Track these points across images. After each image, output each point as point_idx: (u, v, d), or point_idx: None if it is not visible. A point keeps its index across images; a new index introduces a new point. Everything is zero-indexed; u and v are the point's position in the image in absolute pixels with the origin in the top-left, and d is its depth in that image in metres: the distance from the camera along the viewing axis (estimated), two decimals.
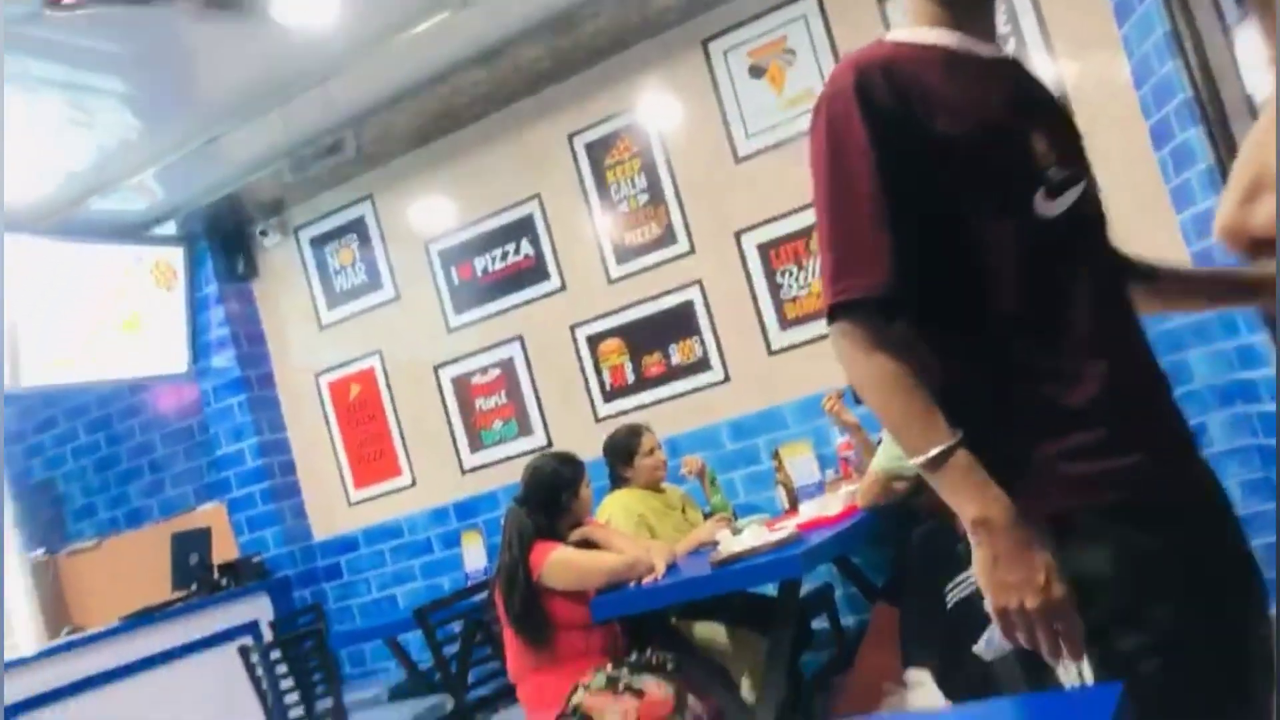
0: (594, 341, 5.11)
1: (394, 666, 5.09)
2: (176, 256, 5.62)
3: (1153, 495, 1.33)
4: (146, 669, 4.67)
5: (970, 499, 1.30)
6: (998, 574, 1.28)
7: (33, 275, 4.97)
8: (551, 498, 3.48)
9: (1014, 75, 1.51)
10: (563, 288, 5.16)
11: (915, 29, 1.47)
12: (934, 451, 1.30)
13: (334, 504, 5.69)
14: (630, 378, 5.05)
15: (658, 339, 4.99)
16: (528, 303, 5.24)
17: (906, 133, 1.35)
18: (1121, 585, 1.29)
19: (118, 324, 5.35)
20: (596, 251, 5.08)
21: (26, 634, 6.16)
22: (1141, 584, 1.29)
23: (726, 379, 4.86)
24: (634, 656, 3.35)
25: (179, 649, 4.78)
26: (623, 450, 4.11)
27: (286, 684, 4.06)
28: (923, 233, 1.35)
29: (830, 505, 3.59)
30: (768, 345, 4.76)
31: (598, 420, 5.01)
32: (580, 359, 5.13)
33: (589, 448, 4.11)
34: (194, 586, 5.23)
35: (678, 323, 4.94)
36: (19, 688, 4.32)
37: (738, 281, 4.81)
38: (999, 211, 1.36)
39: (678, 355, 4.96)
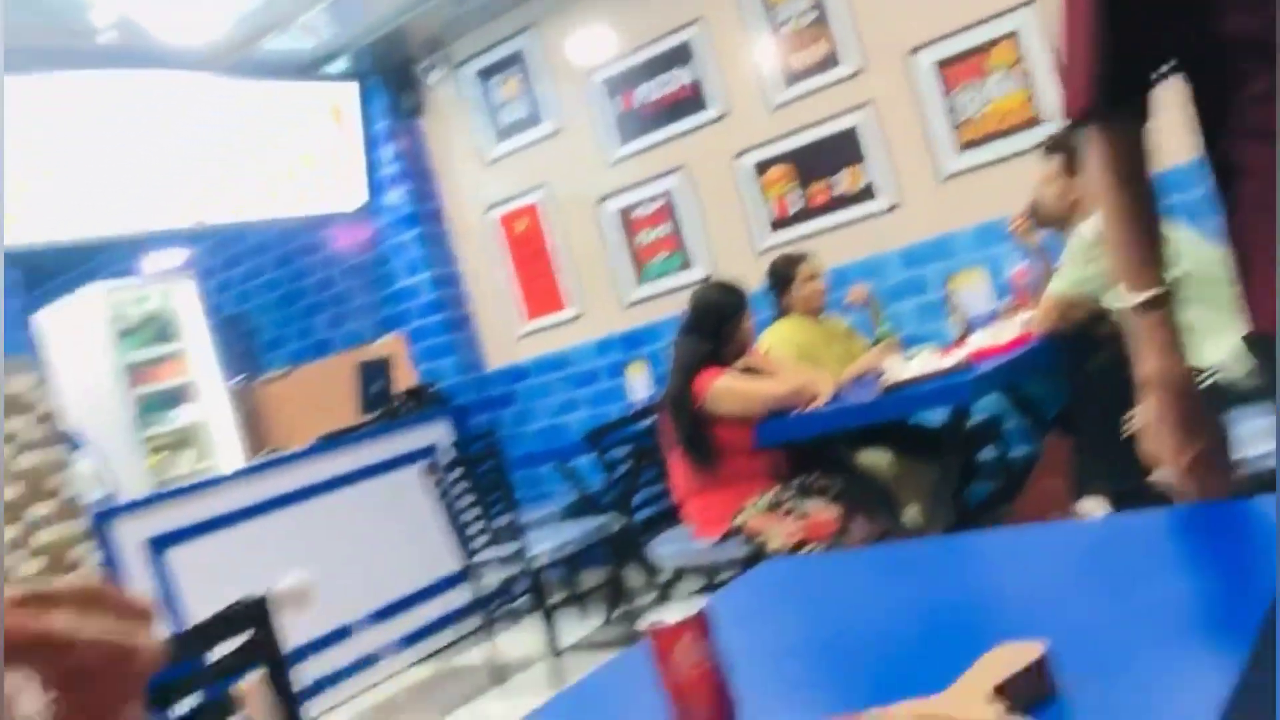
0: (758, 170, 5.01)
1: (565, 489, 5.30)
2: (348, 94, 5.73)
3: None
4: (337, 487, 4.99)
5: (1151, 354, 1.29)
6: (1156, 434, 1.30)
7: (213, 114, 5.16)
8: (716, 325, 3.49)
9: None
10: (725, 115, 5.05)
11: None
12: (1140, 298, 1.28)
13: (505, 335, 5.87)
14: (795, 207, 4.95)
15: (824, 166, 4.85)
16: (690, 132, 5.15)
17: None
18: None
19: (294, 162, 5.53)
20: (760, 76, 4.93)
21: (231, 454, 6.66)
22: None
23: (897, 206, 4.71)
24: (799, 481, 3.39)
25: (366, 469, 5.08)
26: (781, 277, 4.06)
27: (466, 502, 4.29)
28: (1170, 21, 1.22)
29: (1003, 333, 3.48)
30: (941, 170, 4.57)
31: (761, 252, 4.95)
32: (743, 189, 5.05)
33: (752, 280, 4.07)
34: (378, 412, 5.52)
35: (845, 148, 4.78)
36: (225, 502, 4.69)
37: (910, 103, 4.60)
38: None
39: (845, 182, 4.82)
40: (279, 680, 1.79)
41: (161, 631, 0.68)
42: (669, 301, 5.20)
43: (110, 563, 4.34)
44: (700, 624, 0.94)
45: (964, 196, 4.50)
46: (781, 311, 4.08)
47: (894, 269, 4.72)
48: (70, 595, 0.64)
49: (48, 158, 4.63)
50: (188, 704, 1.74)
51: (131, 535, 4.42)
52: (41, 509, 4.20)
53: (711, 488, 3.42)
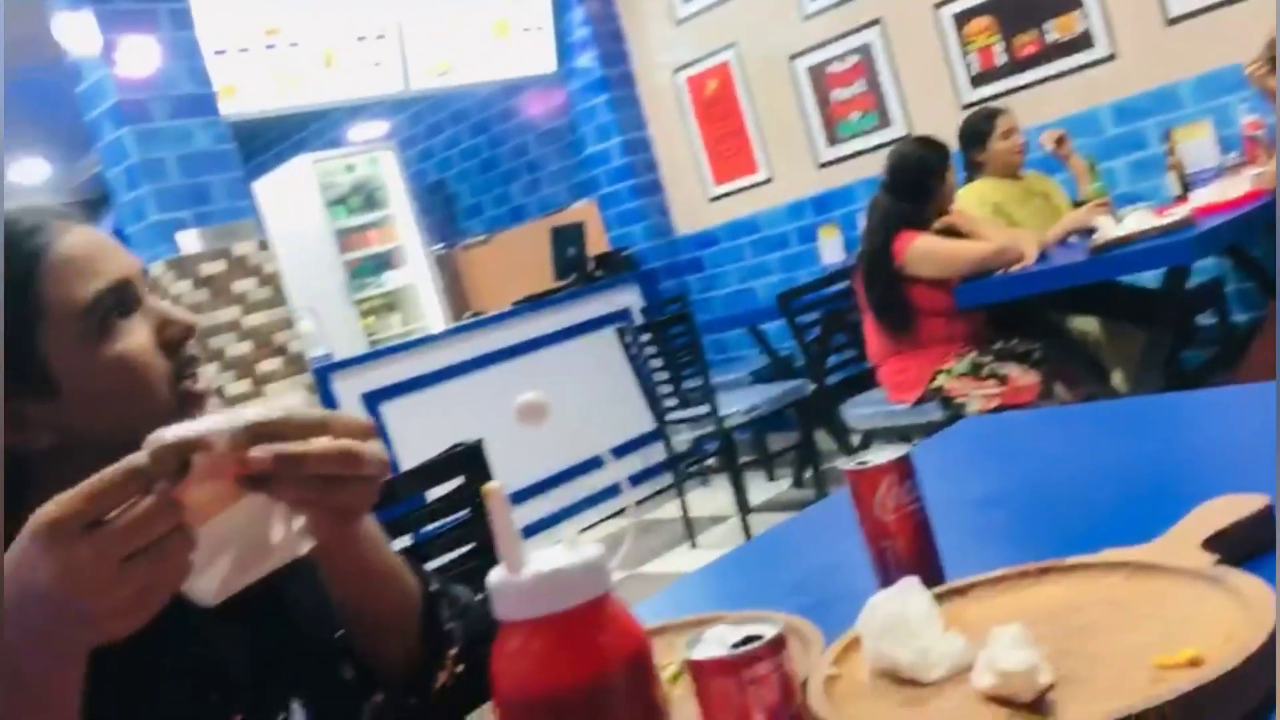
0: (960, 21, 4.74)
1: (754, 354, 5.33)
2: None
3: None
4: (535, 349, 5.17)
5: None
6: None
7: None
8: (916, 183, 3.38)
9: None
10: None
11: None
12: None
13: (695, 200, 5.86)
14: (1000, 59, 4.68)
15: (1033, 14, 4.55)
16: None
17: None
18: None
19: (489, 27, 5.58)
20: None
21: (434, 316, 6.98)
22: None
23: (1112, 56, 4.39)
24: (999, 345, 3.30)
25: (561, 332, 5.24)
26: (976, 133, 3.86)
27: (657, 364, 4.38)
28: None
29: (1230, 189, 3.24)
30: (1166, 13, 4.21)
31: (963, 108, 4.73)
32: (945, 41, 4.80)
33: (954, 139, 3.90)
34: (572, 277, 5.65)
35: None
36: (430, 361, 4.94)
37: None
38: None
39: (1055, 31, 4.51)
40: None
41: (380, 448, 0.74)
42: (863, 162, 5.05)
43: None
44: (904, 467, 0.95)
45: (1190, 41, 4.15)
46: (975, 170, 3.90)
47: (1107, 124, 4.43)
48: (294, 422, 0.70)
49: (258, 32, 4.84)
50: (401, 543, 1.89)
51: (349, 390, 4.74)
52: (269, 365, 4.54)
53: (907, 351, 3.37)
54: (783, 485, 4.95)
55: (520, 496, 4.78)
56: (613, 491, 5.15)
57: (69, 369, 0.84)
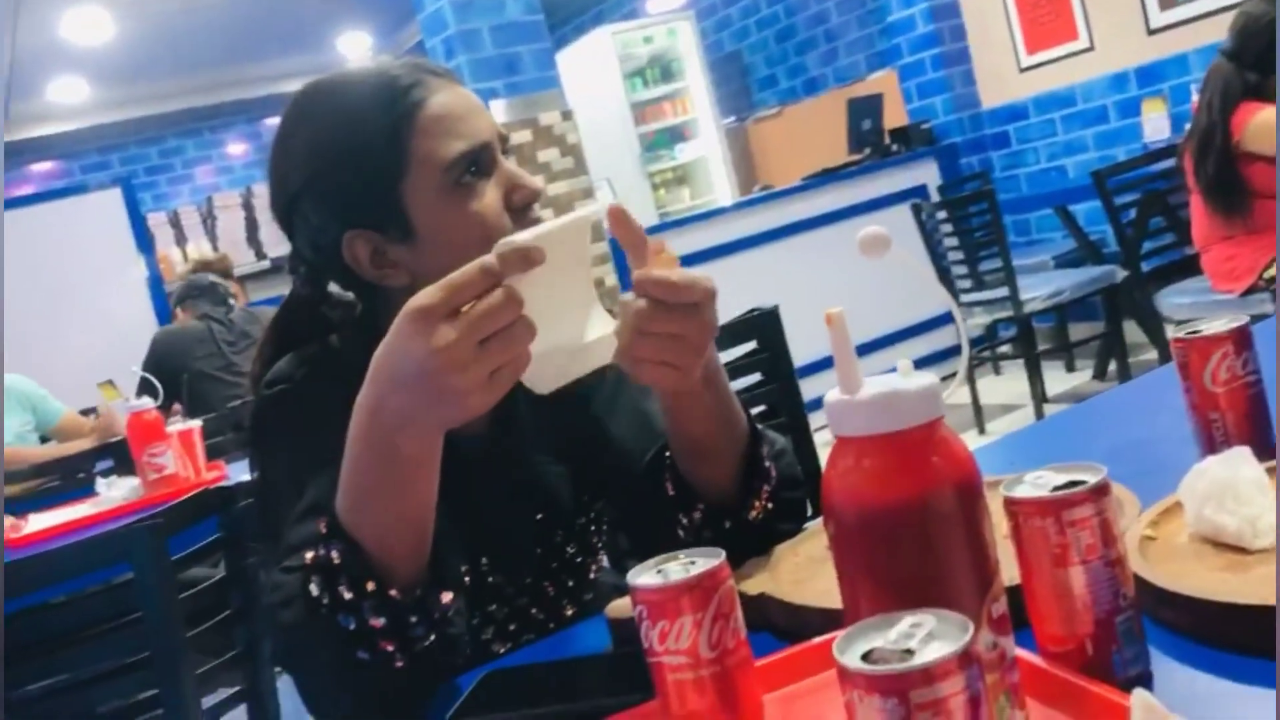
0: None
1: (1060, 236, 5.04)
2: None
3: None
4: (823, 224, 5.11)
5: None
6: None
7: None
8: (1264, 51, 3.03)
9: None
10: None
11: None
12: None
13: (1003, 70, 5.52)
14: None
15: None
16: None
17: None
18: None
19: None
20: None
21: (723, 190, 7.02)
22: None
23: None
24: None
25: (853, 207, 5.14)
26: (1263, 43, 3.38)
27: (952, 244, 4.23)
28: None
29: None
30: None
31: (1150, 32, 4.15)
32: None
33: (1140, 59, 3.44)
34: (867, 150, 5.50)
35: None
36: (719, 234, 4.99)
37: None
38: None
39: None
40: (786, 391, 1.93)
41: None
42: (1201, 28, 4.57)
43: (627, 283, 4.84)
44: (1241, 337, 0.89)
45: None
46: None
47: None
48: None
49: None
50: None
51: None
52: None
53: (1239, 236, 3.09)
54: (1083, 377, 4.71)
55: (806, 371, 4.79)
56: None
57: (426, 218, 0.93)
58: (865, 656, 0.46)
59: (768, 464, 0.96)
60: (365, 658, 0.79)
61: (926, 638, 0.46)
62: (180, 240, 8.33)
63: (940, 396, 0.53)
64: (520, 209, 0.95)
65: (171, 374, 3.41)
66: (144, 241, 5.38)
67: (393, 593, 0.79)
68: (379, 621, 0.79)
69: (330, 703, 0.86)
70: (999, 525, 0.60)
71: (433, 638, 0.81)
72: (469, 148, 0.93)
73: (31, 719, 1.44)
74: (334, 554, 0.79)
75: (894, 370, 0.56)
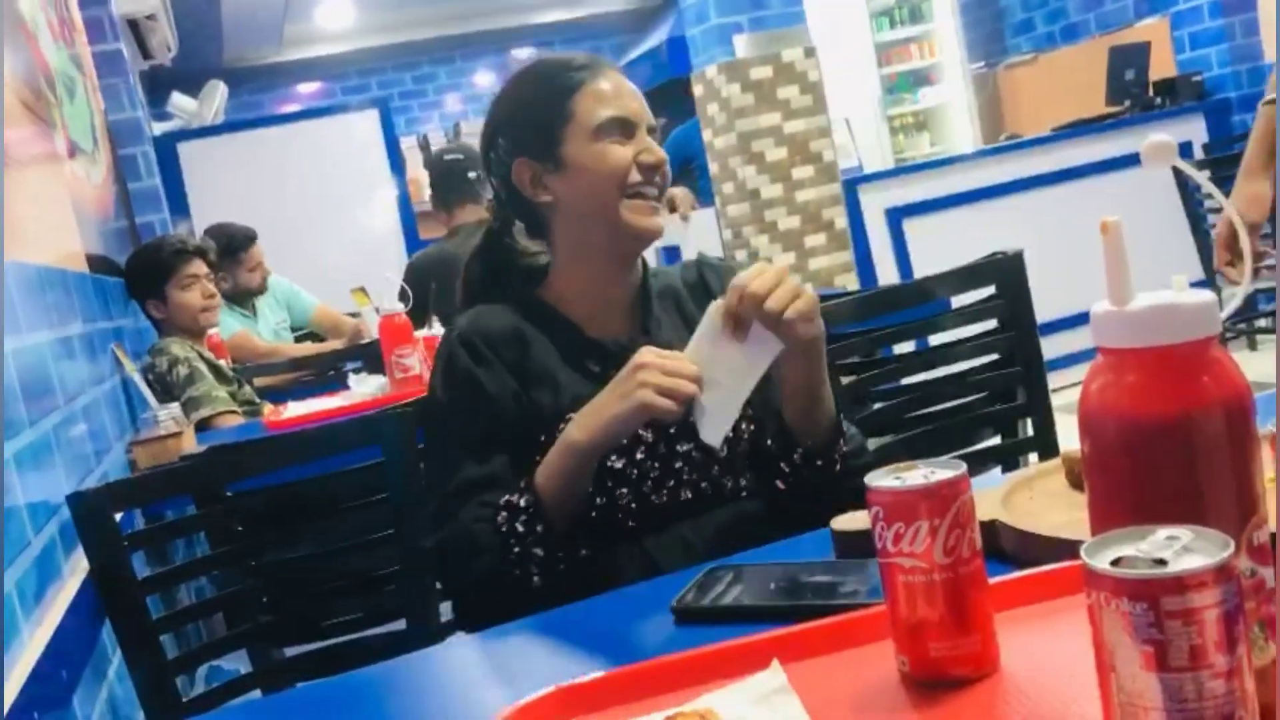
0: None
1: None
2: None
3: None
4: (1075, 178, 4.85)
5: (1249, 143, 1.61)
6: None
7: None
8: None
9: None
10: None
11: None
12: (1267, 98, 1.49)
13: None
14: None
15: None
16: None
17: None
18: None
19: None
20: None
21: (964, 138, 6.76)
22: None
23: None
24: None
25: (1107, 162, 4.84)
26: None
27: (1214, 206, 3.94)
28: None
29: None
30: None
31: None
32: None
33: None
34: (1127, 103, 5.17)
35: None
36: (959, 182, 4.82)
37: None
38: None
39: None
40: (1024, 339, 1.87)
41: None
42: None
43: (856, 226, 4.76)
44: None
45: None
46: None
47: None
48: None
49: None
50: (905, 347, 1.94)
51: (874, 203, 4.78)
52: (804, 171, 4.69)
53: None
54: None
55: (1044, 330, 4.59)
56: None
57: (575, 157, 1.26)
58: (1114, 564, 0.46)
59: (850, 431, 1.26)
60: (521, 574, 1.16)
61: (1182, 550, 0.45)
62: (429, 164, 8.77)
63: (1217, 313, 0.51)
64: (644, 167, 1.25)
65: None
66: (397, 162, 5.68)
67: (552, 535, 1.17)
68: (539, 551, 1.16)
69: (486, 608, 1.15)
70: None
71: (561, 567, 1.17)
72: (615, 115, 1.26)
73: (284, 584, 1.58)
74: (527, 505, 1.16)
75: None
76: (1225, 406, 0.51)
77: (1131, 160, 4.87)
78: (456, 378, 1.26)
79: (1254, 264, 1.67)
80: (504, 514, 1.16)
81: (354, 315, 4.00)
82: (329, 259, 5.05)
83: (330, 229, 5.29)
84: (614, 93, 1.27)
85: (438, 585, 1.56)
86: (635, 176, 1.25)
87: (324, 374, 3.32)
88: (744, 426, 1.29)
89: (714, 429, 1.10)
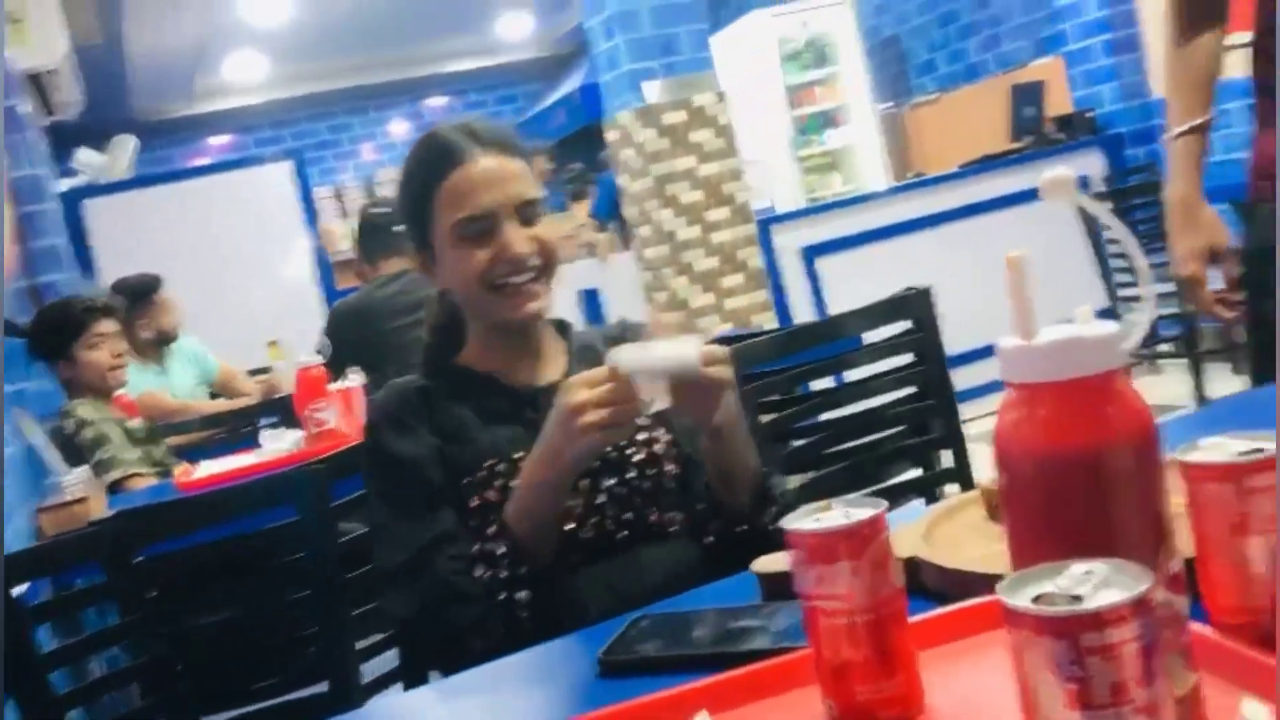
0: None
1: (1235, 233, 4.78)
2: None
3: None
4: (980, 212, 4.97)
5: (1170, 178, 1.63)
6: (1169, 244, 1.62)
7: None
8: None
9: None
10: None
11: None
12: (1172, 132, 1.60)
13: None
14: None
15: None
16: None
17: None
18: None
19: None
20: None
21: (875, 177, 6.91)
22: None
23: None
24: None
25: (1011, 196, 4.98)
26: None
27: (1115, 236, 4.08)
28: None
29: None
30: None
31: None
32: None
33: None
34: (1028, 139, 5.33)
35: None
36: (870, 219, 4.92)
37: None
38: None
39: None
40: (936, 372, 1.90)
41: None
42: None
43: (771, 265, 4.82)
44: None
45: None
46: None
47: None
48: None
49: None
50: (823, 384, 1.95)
51: (788, 243, 4.85)
52: (719, 213, 4.75)
53: None
54: (1249, 380, 4.47)
55: (956, 362, 4.68)
56: None
57: (440, 255, 1.28)
58: (1034, 601, 0.46)
59: (773, 488, 1.25)
60: (509, 616, 1.13)
61: (1099, 585, 0.46)
62: (343, 214, 8.67)
63: (1119, 345, 0.52)
64: (507, 262, 1.23)
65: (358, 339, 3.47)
66: (311, 213, 5.62)
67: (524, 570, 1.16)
68: (524, 593, 1.14)
69: (463, 653, 1.11)
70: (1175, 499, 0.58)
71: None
72: (470, 214, 1.24)
73: (200, 650, 1.53)
74: (504, 548, 1.15)
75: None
76: (1133, 438, 0.52)
77: (1034, 194, 5.00)
78: (385, 451, 1.26)
79: (1230, 293, 1.64)
80: (481, 565, 1.16)
81: (263, 371, 3.93)
82: (244, 313, 4.96)
83: (245, 282, 5.20)
84: (471, 187, 1.24)
85: (358, 645, 1.53)
86: (499, 272, 1.24)
87: (238, 431, 3.25)
88: (671, 468, 1.29)
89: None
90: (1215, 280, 1.64)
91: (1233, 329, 4.56)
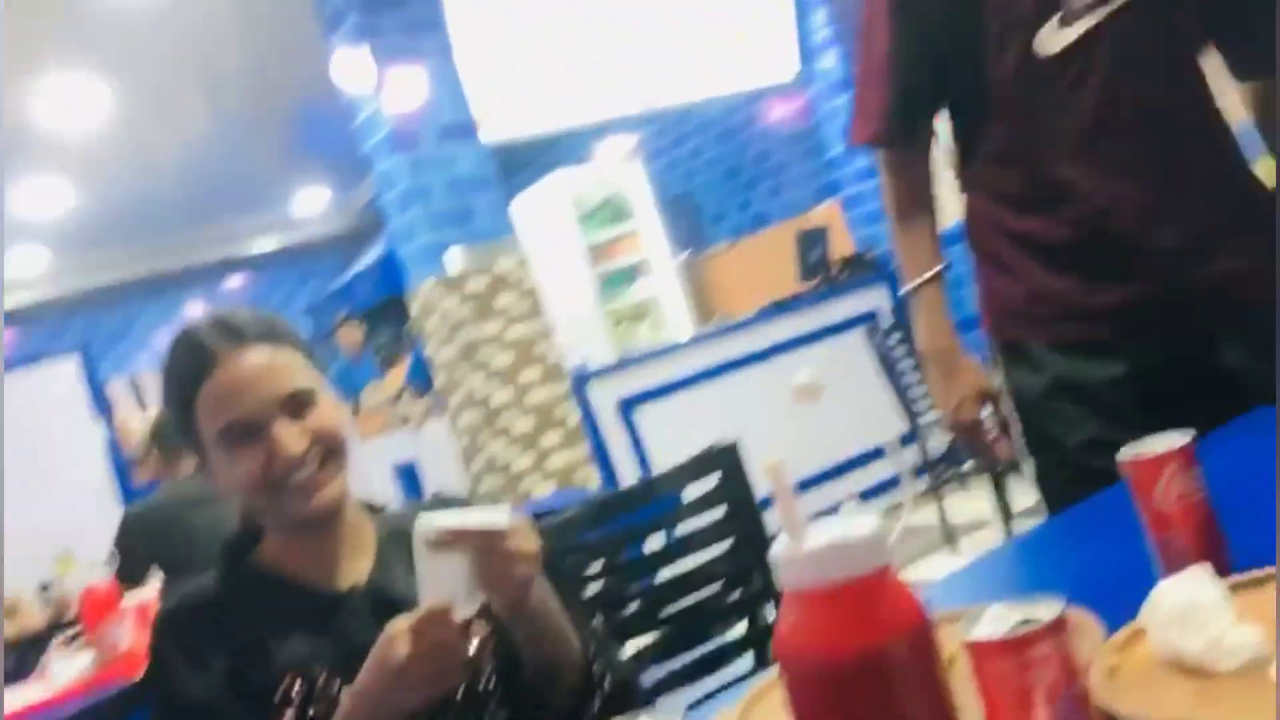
0: None
1: None
2: None
3: (1076, 336, 1.47)
4: (783, 351, 5.16)
5: (919, 332, 1.62)
6: (932, 395, 1.62)
7: (650, 3, 5.39)
8: None
9: None
10: None
11: None
12: (908, 287, 1.62)
13: (944, 198, 5.69)
14: None
15: None
16: None
17: None
18: (1043, 412, 1.51)
19: (730, 37, 5.65)
20: None
21: (681, 324, 7.11)
22: (1053, 411, 1.49)
23: None
24: None
25: (809, 335, 5.20)
26: None
27: (907, 365, 4.29)
28: (948, 69, 1.48)
29: None
30: None
31: None
32: None
33: None
34: (817, 279, 5.62)
35: None
36: (680, 368, 5.02)
37: None
38: (1000, 45, 1.43)
39: None
40: (750, 525, 1.92)
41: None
42: None
43: (589, 420, 4.84)
44: (1187, 454, 0.90)
45: None
46: None
47: None
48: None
49: (510, 62, 5.10)
50: (657, 541, 1.94)
51: (604, 397, 4.89)
52: (532, 373, 4.76)
53: None
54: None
55: (768, 503, 4.77)
56: (871, 494, 5.06)
57: (210, 460, 1.21)
58: None
59: (599, 671, 1.19)
60: None
61: None
62: (141, 405, 8.28)
63: (885, 542, 0.53)
64: (284, 462, 1.16)
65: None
66: (103, 409, 5.34)
67: None
68: None
69: None
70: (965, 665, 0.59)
71: None
72: (234, 419, 1.16)
73: None
74: None
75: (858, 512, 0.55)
76: (905, 635, 0.52)
77: (829, 330, 5.26)
78: (171, 690, 1.16)
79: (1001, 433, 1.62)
80: None
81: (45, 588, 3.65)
82: (30, 525, 4.61)
83: (31, 492, 4.85)
84: (230, 390, 1.16)
85: None
86: (274, 475, 1.16)
87: (24, 658, 2.98)
88: (488, 674, 1.22)
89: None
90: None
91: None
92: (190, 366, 1.18)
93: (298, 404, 1.18)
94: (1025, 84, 1.44)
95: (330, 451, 1.19)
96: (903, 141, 1.58)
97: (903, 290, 1.63)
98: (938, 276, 1.59)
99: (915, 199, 1.62)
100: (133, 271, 9.38)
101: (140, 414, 7.38)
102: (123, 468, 5.19)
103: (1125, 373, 1.46)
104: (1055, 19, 1.40)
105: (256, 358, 1.18)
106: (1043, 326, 1.51)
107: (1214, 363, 1.47)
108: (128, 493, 4.98)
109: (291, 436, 1.16)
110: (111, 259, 9.12)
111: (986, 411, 1.56)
